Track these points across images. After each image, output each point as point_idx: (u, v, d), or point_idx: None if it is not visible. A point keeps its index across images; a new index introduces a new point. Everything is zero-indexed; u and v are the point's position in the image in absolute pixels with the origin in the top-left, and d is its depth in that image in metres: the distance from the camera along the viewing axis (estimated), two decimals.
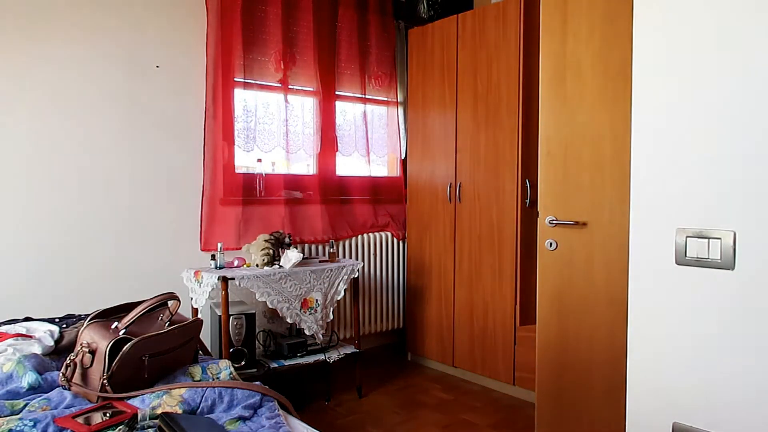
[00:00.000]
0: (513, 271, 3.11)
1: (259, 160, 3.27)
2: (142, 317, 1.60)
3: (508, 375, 3.13)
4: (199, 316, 2.85)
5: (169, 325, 1.63)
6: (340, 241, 3.57)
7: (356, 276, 3.11)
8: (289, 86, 3.34)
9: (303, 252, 3.34)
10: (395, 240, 3.83)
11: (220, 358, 2.44)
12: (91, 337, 1.52)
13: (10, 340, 1.75)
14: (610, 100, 2.16)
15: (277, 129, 3.30)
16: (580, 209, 2.26)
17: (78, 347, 1.51)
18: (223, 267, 2.78)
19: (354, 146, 3.68)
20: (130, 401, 1.42)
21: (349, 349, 3.13)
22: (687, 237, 1.39)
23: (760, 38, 1.27)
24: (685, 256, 1.39)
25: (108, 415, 1.33)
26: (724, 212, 1.33)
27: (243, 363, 2.70)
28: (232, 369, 1.68)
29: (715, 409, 1.36)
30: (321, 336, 2.95)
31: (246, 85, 3.19)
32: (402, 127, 3.90)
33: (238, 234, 3.16)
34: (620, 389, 2.12)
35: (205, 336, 2.86)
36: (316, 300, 2.92)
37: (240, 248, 3.10)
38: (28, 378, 1.51)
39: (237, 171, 3.20)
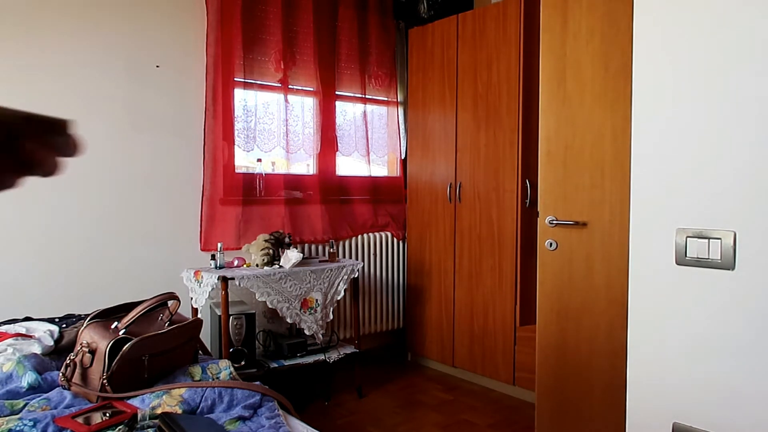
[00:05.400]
0: (513, 271, 3.11)
1: (259, 160, 3.27)
2: (142, 317, 1.61)
3: (508, 375, 3.13)
4: (199, 316, 2.84)
5: (169, 325, 1.63)
6: (340, 241, 3.57)
7: (356, 276, 3.11)
8: (289, 86, 3.34)
9: (303, 252, 3.34)
10: (395, 240, 3.83)
11: (220, 358, 2.44)
12: (91, 337, 1.52)
13: (10, 340, 1.75)
14: (610, 100, 2.16)
15: (277, 129, 3.30)
16: (580, 209, 2.26)
17: (78, 347, 1.52)
18: (223, 267, 2.78)
19: (354, 146, 3.68)
20: (130, 401, 1.42)
21: (349, 349, 3.13)
22: (687, 237, 1.39)
23: (762, 34, 1.27)
24: (685, 256, 1.39)
25: (108, 415, 1.33)
26: (724, 212, 1.33)
27: (243, 363, 2.70)
28: (232, 369, 1.68)
29: (715, 409, 1.36)
30: (321, 336, 2.95)
31: (246, 85, 3.19)
32: (402, 127, 3.90)
33: (238, 234, 3.15)
34: (620, 389, 2.12)
35: (205, 336, 2.86)
36: (316, 300, 2.92)
37: (240, 248, 3.10)
38: (28, 378, 1.51)
39: (237, 171, 3.20)
